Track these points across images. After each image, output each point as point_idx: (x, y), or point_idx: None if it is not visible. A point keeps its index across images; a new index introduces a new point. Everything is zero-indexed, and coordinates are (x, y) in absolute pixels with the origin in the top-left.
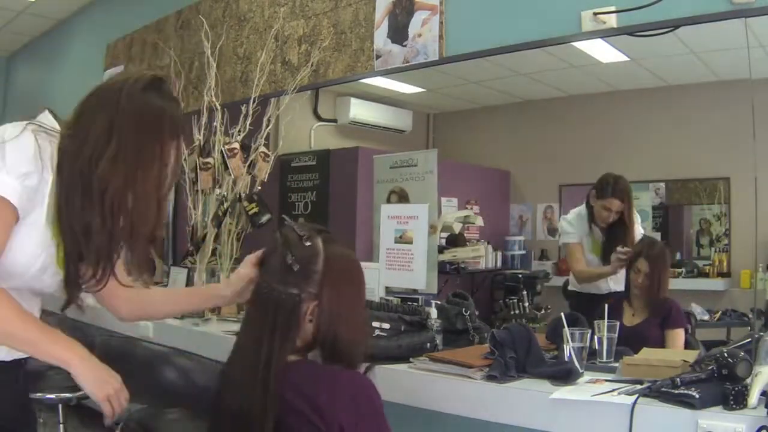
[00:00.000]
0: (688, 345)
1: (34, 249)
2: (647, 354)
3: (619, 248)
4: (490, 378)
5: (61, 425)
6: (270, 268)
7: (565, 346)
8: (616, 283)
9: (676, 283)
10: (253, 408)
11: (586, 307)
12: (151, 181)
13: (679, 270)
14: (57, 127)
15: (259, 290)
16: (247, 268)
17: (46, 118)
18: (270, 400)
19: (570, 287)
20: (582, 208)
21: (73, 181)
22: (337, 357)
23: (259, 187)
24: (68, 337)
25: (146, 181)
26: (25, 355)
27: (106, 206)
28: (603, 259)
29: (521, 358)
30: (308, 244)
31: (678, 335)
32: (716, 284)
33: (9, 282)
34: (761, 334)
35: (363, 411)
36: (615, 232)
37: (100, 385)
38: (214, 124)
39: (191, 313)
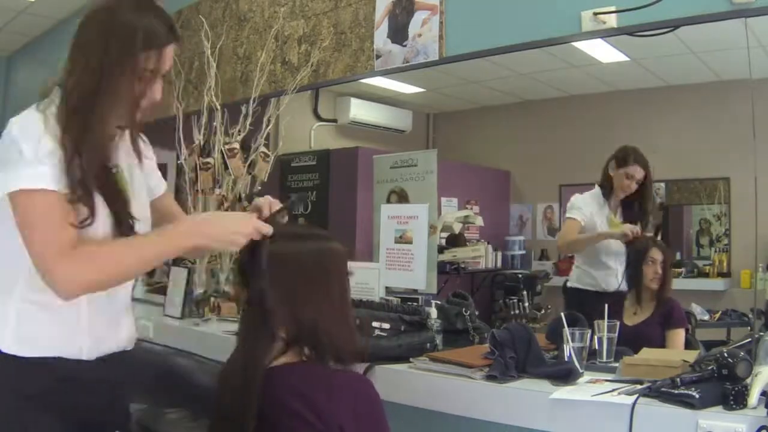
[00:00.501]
0: (688, 345)
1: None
2: (647, 354)
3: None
4: (490, 378)
5: None
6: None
7: (565, 346)
8: (619, 281)
9: (676, 283)
10: (236, 404)
11: (586, 305)
12: (122, 86)
13: (679, 270)
14: None
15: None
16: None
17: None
18: (251, 395)
19: (570, 284)
20: (596, 190)
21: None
22: (332, 354)
23: (259, 187)
24: (177, 229)
25: (116, 86)
26: (104, 353)
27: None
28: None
29: (521, 358)
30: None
31: (678, 335)
32: (716, 284)
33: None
34: (761, 334)
35: (362, 411)
36: (633, 206)
37: (233, 239)
38: (214, 124)
39: None
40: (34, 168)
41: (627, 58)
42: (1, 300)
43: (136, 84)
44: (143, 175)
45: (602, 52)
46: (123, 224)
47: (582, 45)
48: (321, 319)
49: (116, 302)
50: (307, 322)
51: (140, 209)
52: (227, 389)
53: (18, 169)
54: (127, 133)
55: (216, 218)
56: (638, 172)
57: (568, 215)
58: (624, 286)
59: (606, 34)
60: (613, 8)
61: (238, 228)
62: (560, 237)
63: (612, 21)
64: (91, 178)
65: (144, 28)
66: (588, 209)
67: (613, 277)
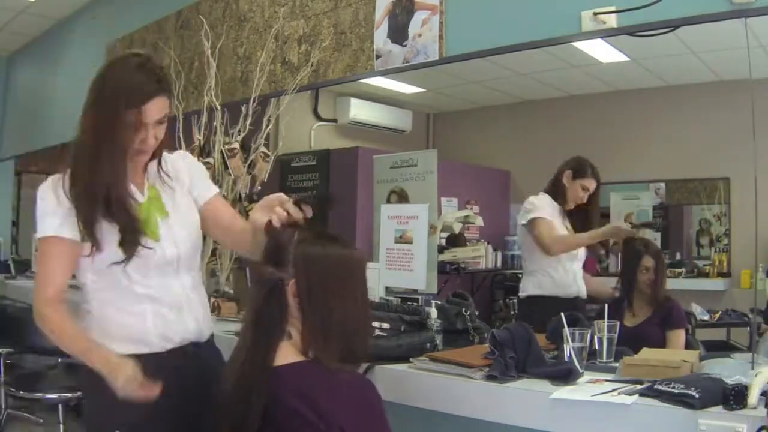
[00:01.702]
0: (688, 345)
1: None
2: (647, 354)
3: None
4: (490, 378)
5: (61, 425)
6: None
7: (565, 346)
8: (579, 288)
9: (676, 283)
10: (240, 397)
11: (548, 313)
12: (112, 139)
13: (679, 270)
14: None
15: (257, 275)
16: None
17: None
18: (256, 387)
19: (533, 292)
20: (546, 196)
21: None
22: (337, 355)
23: (259, 187)
24: (103, 354)
25: (106, 141)
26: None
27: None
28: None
29: (521, 358)
30: (283, 236)
31: (679, 336)
32: (716, 284)
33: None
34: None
35: (364, 412)
36: (580, 215)
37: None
38: (214, 124)
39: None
40: (43, 221)
41: (627, 58)
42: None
43: (125, 135)
44: (183, 191)
45: (602, 52)
46: (127, 249)
47: (582, 45)
48: (345, 321)
49: (162, 305)
50: (331, 324)
51: (182, 222)
52: (233, 386)
53: (37, 222)
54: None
55: (114, 373)
56: (593, 185)
57: (535, 215)
58: (582, 293)
59: (606, 34)
60: (613, 8)
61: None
62: (545, 237)
63: (612, 21)
64: (91, 220)
65: (127, 90)
66: (549, 212)
67: (573, 281)
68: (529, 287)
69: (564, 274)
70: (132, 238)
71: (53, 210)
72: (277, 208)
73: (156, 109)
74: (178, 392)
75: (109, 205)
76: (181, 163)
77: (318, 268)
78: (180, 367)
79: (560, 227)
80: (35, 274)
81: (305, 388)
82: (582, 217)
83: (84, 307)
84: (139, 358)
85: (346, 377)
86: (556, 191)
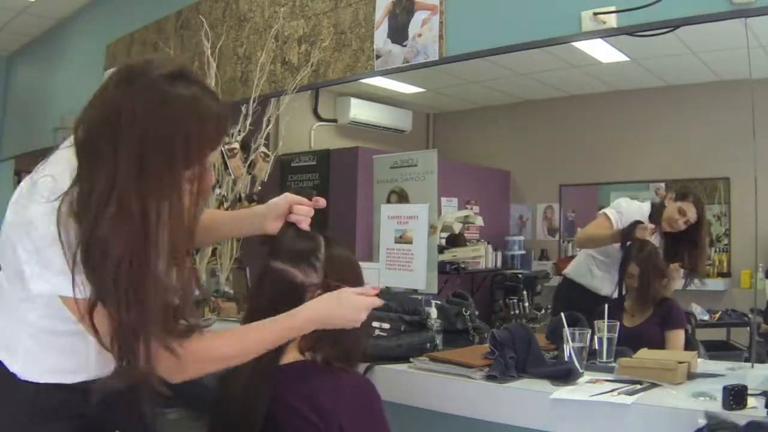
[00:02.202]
0: (688, 345)
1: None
2: (643, 355)
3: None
4: (490, 378)
5: None
6: (281, 247)
7: (565, 346)
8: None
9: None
10: (246, 398)
11: (577, 303)
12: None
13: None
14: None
15: (267, 270)
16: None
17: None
18: (262, 390)
19: (569, 272)
20: (647, 205)
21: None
22: (337, 354)
23: (259, 187)
24: (286, 319)
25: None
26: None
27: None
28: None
29: (521, 358)
30: (311, 240)
31: (678, 336)
32: (716, 284)
33: None
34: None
35: (363, 412)
36: (678, 246)
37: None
38: None
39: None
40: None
41: (627, 58)
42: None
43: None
44: None
45: (602, 52)
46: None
47: (582, 45)
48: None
49: None
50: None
51: None
52: (231, 378)
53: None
54: None
55: (336, 308)
56: (691, 212)
57: (606, 211)
58: (616, 293)
59: (606, 34)
60: (613, 8)
61: (357, 317)
62: (583, 229)
63: (612, 21)
64: None
65: (201, 127)
66: (629, 216)
67: (609, 281)
68: (570, 270)
69: (603, 272)
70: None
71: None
72: (292, 216)
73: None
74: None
75: None
76: None
77: (342, 274)
78: None
79: None
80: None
81: (306, 387)
82: (682, 250)
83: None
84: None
85: (346, 377)
86: (657, 211)
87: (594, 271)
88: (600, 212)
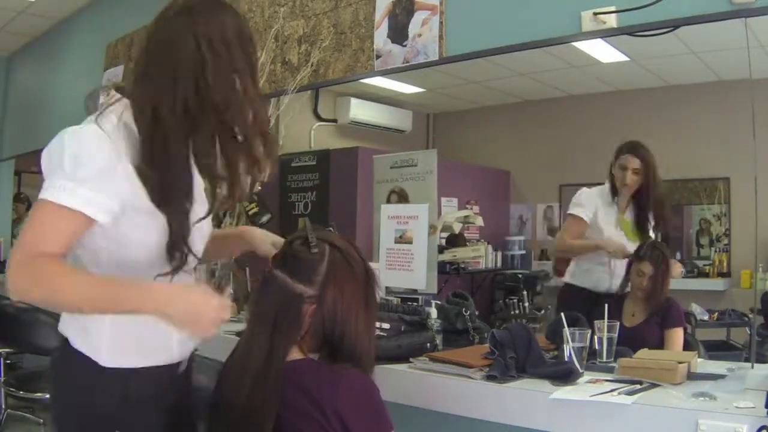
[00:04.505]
0: (687, 344)
1: (157, 237)
2: (643, 355)
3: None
4: (490, 378)
5: None
6: (285, 255)
7: (565, 346)
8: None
9: (676, 283)
10: (253, 403)
11: (579, 305)
12: (252, 89)
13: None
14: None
15: (270, 277)
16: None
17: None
18: (270, 395)
19: (567, 279)
20: (605, 186)
21: (171, 125)
22: (342, 359)
23: (259, 187)
24: (139, 286)
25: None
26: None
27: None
28: (632, 234)
29: (521, 358)
30: (315, 251)
31: (676, 335)
32: (716, 284)
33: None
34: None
35: (365, 409)
36: (642, 204)
37: (192, 329)
38: None
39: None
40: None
41: (627, 58)
42: None
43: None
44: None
45: (602, 52)
46: (175, 259)
47: (582, 45)
48: (356, 324)
49: None
50: (343, 343)
51: (201, 230)
52: (233, 382)
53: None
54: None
55: (181, 299)
56: (631, 162)
57: (570, 211)
58: (616, 288)
59: (606, 34)
60: (613, 8)
61: (202, 328)
62: (559, 236)
63: (612, 21)
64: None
65: (251, 49)
66: (593, 206)
67: (608, 277)
68: (567, 275)
69: (601, 269)
70: (182, 244)
71: (99, 173)
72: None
73: None
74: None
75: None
76: None
77: (349, 273)
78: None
79: (608, 223)
80: (21, 234)
81: (307, 383)
82: (643, 204)
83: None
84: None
85: (348, 373)
86: (612, 184)
87: (590, 269)
88: (568, 215)
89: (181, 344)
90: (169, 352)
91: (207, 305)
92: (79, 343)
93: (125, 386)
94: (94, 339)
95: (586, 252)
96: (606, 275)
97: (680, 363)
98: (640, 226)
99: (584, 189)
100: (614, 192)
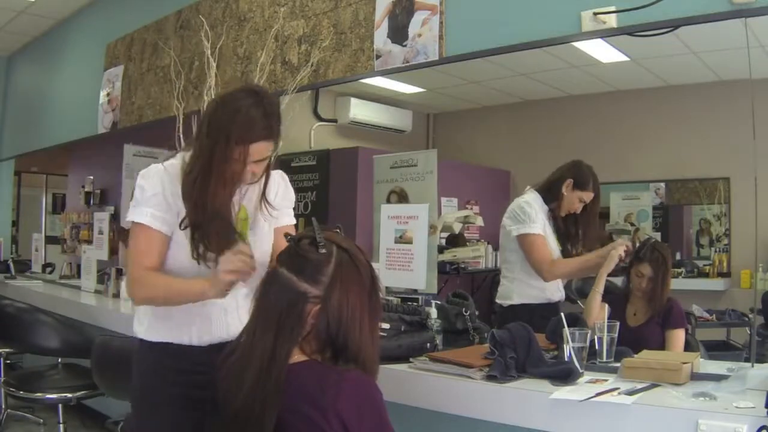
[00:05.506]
0: (688, 345)
1: (183, 260)
2: (647, 356)
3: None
4: (490, 378)
5: (61, 425)
6: (292, 254)
7: (565, 346)
8: (559, 289)
9: (676, 283)
10: (253, 404)
11: (535, 321)
12: (218, 166)
13: (679, 270)
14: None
15: (275, 274)
16: None
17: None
18: (271, 397)
19: (517, 301)
20: (535, 195)
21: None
22: (345, 362)
23: None
24: (196, 281)
25: (213, 167)
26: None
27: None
28: (565, 248)
29: (521, 358)
30: (323, 251)
31: (678, 335)
32: (716, 284)
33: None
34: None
35: (365, 410)
36: (569, 226)
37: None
38: None
39: None
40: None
41: (627, 58)
42: None
43: (229, 166)
44: (270, 220)
45: (602, 52)
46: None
47: (582, 45)
48: (360, 327)
49: (213, 304)
50: (347, 346)
51: (258, 248)
52: (233, 381)
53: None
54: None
55: (212, 276)
56: (590, 198)
57: (528, 231)
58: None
59: (606, 34)
60: (613, 8)
61: (222, 281)
62: (541, 262)
63: (612, 21)
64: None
65: (238, 127)
66: (541, 220)
67: (557, 287)
68: (513, 296)
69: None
70: (205, 254)
71: (149, 199)
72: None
73: (259, 151)
74: (209, 384)
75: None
76: (282, 187)
77: (355, 275)
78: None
79: (550, 235)
80: (127, 256)
81: (308, 384)
82: (574, 222)
83: None
84: (179, 347)
85: (349, 375)
86: (551, 196)
87: (536, 284)
88: (529, 235)
89: (200, 330)
90: (189, 334)
91: (221, 267)
92: (136, 328)
93: (160, 357)
94: (145, 324)
95: (587, 273)
96: (555, 287)
97: (684, 363)
98: (571, 239)
99: (525, 202)
100: (554, 206)
